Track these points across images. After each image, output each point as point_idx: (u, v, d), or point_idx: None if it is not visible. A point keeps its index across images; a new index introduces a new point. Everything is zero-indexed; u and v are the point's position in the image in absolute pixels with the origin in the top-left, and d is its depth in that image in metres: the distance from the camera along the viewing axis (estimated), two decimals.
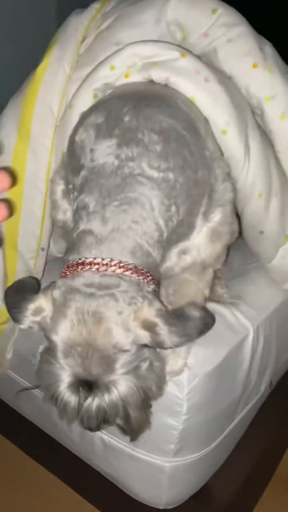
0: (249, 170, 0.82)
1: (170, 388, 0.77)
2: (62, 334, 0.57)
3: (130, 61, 0.78)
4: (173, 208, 0.65)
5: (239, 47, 0.83)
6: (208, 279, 0.83)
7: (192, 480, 0.93)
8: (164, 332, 0.57)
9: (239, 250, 1.02)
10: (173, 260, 0.73)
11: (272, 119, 0.85)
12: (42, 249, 0.91)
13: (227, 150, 0.79)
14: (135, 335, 0.57)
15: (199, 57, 0.82)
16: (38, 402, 0.97)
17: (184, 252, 0.73)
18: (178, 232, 0.69)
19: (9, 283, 0.87)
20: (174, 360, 0.75)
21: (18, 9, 2.26)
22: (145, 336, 0.58)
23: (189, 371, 0.77)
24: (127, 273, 0.59)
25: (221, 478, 1.02)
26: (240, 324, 0.86)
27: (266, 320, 0.91)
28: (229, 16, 0.84)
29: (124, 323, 0.57)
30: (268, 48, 0.86)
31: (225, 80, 0.83)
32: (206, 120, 0.78)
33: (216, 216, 0.73)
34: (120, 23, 0.86)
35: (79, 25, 0.91)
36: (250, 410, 1.00)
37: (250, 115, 0.85)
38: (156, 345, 0.59)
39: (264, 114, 0.86)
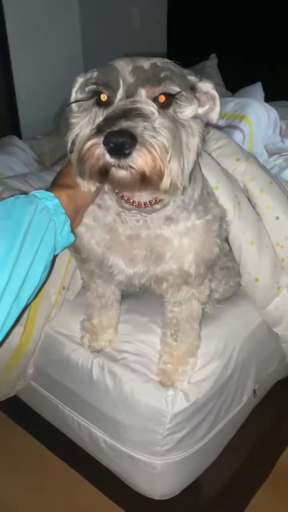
0: (240, 220, 1.03)
1: (155, 401, 0.95)
2: None
3: None
4: None
5: (226, 150, 1.11)
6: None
7: (182, 475, 1.09)
8: None
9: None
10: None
11: (253, 193, 1.09)
12: (64, 288, 1.10)
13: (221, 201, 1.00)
14: None
15: None
16: (55, 407, 1.17)
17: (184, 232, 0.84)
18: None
19: (32, 315, 1.06)
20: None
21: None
22: None
23: (172, 387, 0.95)
24: None
25: (212, 475, 1.18)
26: (218, 343, 1.02)
27: (243, 340, 1.08)
28: (219, 133, 1.14)
29: None
30: (251, 155, 1.13)
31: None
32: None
33: (208, 216, 0.88)
34: None
35: None
36: (234, 418, 1.15)
37: (239, 188, 1.08)
38: None
39: (248, 191, 1.09)
